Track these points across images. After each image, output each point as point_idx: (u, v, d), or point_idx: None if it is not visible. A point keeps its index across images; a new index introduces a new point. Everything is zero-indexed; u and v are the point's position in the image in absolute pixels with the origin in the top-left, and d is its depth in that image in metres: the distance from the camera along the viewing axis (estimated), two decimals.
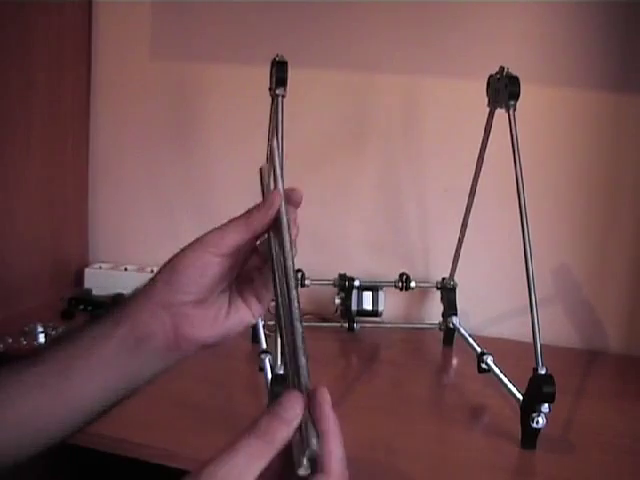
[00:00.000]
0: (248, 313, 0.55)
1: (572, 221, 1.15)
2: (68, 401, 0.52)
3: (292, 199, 0.59)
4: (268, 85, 0.90)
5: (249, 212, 0.53)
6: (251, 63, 1.10)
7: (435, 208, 1.20)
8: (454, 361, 1.11)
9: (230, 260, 0.53)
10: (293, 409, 0.42)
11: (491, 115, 0.95)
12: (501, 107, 0.89)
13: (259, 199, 1.03)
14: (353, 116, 1.21)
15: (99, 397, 0.53)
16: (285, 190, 0.58)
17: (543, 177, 1.12)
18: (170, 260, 0.55)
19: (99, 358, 0.52)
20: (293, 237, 0.56)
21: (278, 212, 0.55)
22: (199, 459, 0.62)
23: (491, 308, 1.19)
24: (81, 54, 1.27)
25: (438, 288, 1.14)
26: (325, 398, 0.43)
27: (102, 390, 0.53)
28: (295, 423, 0.42)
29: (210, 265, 0.52)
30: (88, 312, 1.16)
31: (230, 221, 0.53)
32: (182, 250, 0.53)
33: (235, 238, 0.52)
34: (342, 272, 1.15)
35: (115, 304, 0.55)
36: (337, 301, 1.14)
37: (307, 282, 1.11)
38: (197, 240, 0.53)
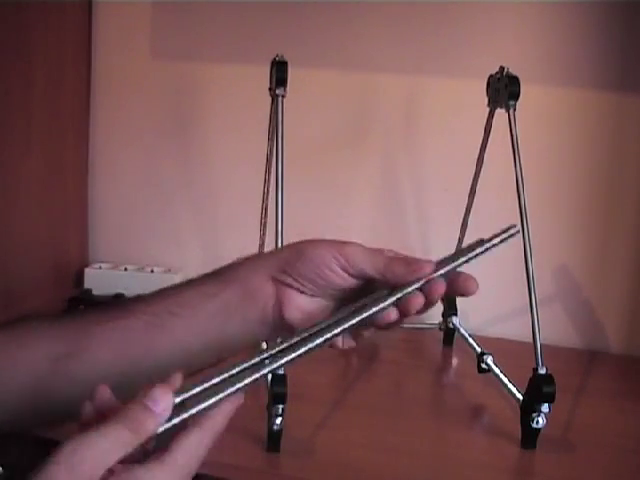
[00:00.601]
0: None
1: (572, 221, 1.15)
2: (172, 346, 0.53)
3: (457, 284, 0.55)
4: (268, 85, 0.90)
5: (396, 260, 0.51)
6: (251, 63, 1.10)
7: (435, 208, 1.20)
8: (454, 361, 1.11)
9: (350, 280, 0.52)
10: (164, 403, 0.42)
11: (491, 115, 0.95)
12: (501, 107, 0.89)
13: (259, 199, 1.03)
14: (353, 116, 1.21)
15: (198, 352, 0.54)
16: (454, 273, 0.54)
17: (543, 177, 1.12)
18: (302, 243, 0.54)
19: (205, 313, 0.53)
20: (391, 319, 0.50)
21: (415, 280, 0.51)
22: None
23: (491, 308, 1.19)
24: (81, 54, 1.26)
25: None
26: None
27: (202, 345, 0.54)
28: (163, 417, 0.42)
29: (332, 274, 0.52)
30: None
31: (378, 250, 0.52)
32: (318, 242, 0.53)
33: (366, 266, 0.51)
34: None
35: (218, 269, 0.57)
36: None
37: None
38: (336, 243, 0.52)
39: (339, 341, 0.53)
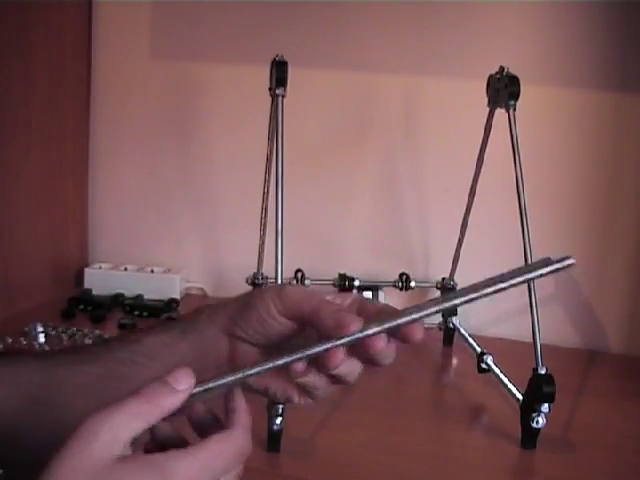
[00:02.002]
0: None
1: (572, 221, 1.15)
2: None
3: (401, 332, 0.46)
4: (268, 85, 0.90)
5: (326, 310, 0.46)
6: (251, 63, 1.10)
7: (435, 208, 1.20)
8: (454, 361, 1.11)
9: (289, 324, 0.49)
10: (185, 382, 0.42)
11: (491, 115, 0.95)
12: (501, 107, 0.89)
13: (259, 199, 1.03)
14: (353, 116, 1.21)
15: None
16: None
17: (543, 177, 1.12)
18: (251, 292, 0.53)
19: (163, 363, 0.51)
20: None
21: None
22: None
23: (491, 308, 1.19)
24: (81, 53, 1.26)
25: (438, 288, 1.14)
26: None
27: None
28: (183, 395, 0.42)
29: (272, 320, 0.49)
30: (88, 312, 1.16)
31: (316, 295, 0.49)
32: (265, 289, 0.51)
33: (302, 307, 0.48)
34: (342, 272, 1.15)
35: (180, 317, 0.55)
36: None
37: (307, 282, 1.11)
38: (278, 287, 0.50)
39: (295, 396, 0.50)
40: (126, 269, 1.27)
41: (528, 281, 0.50)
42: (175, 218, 1.31)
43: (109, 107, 1.31)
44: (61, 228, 1.27)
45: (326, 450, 0.80)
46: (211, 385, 0.43)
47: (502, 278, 0.52)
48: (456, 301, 0.49)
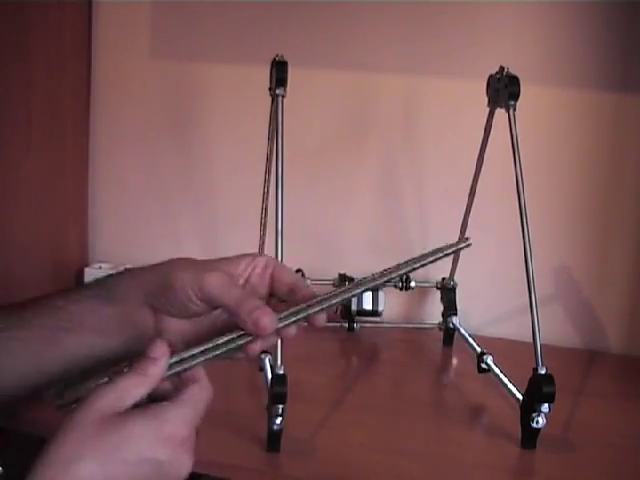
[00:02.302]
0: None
1: (572, 221, 1.15)
2: (57, 360, 0.57)
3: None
4: (268, 85, 0.90)
5: (245, 305, 0.53)
6: (251, 63, 1.10)
7: (435, 208, 1.20)
8: (454, 361, 1.11)
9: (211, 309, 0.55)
10: (160, 349, 0.51)
11: (491, 115, 0.95)
12: (501, 107, 0.89)
13: (259, 199, 1.03)
14: (353, 116, 1.21)
15: (90, 366, 0.56)
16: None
17: (543, 177, 1.12)
18: (169, 266, 0.59)
19: (91, 331, 0.56)
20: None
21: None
22: (199, 459, 0.62)
23: (491, 308, 1.19)
24: (81, 53, 1.26)
25: (438, 288, 1.14)
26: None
27: (93, 360, 0.57)
28: (163, 362, 0.50)
29: (194, 306, 0.55)
30: None
31: (236, 285, 0.55)
32: (183, 268, 0.58)
33: (222, 300, 0.54)
34: (342, 272, 1.15)
35: (99, 282, 0.60)
36: None
37: (307, 282, 1.11)
38: (198, 271, 0.56)
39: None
40: (126, 269, 1.26)
41: (431, 262, 0.60)
42: (175, 218, 1.31)
43: (109, 107, 1.30)
44: (61, 228, 1.27)
45: (326, 450, 0.80)
46: (184, 355, 0.52)
47: (405, 264, 0.63)
48: (360, 289, 0.57)
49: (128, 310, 0.56)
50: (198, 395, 0.51)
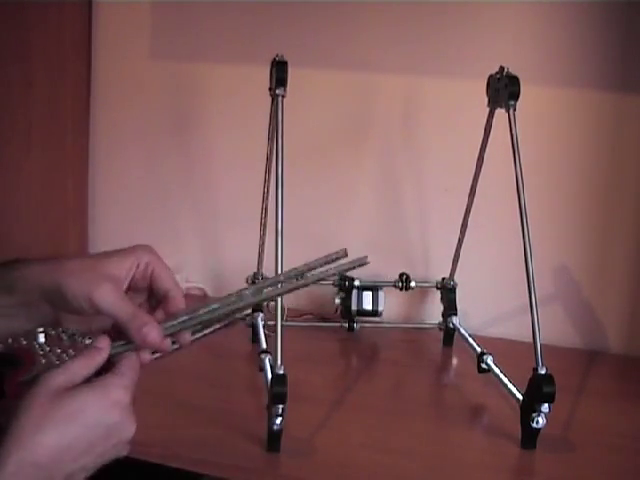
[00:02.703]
0: None
1: (572, 221, 1.15)
2: None
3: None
4: (268, 85, 0.90)
5: (135, 321, 0.59)
6: (251, 63, 1.10)
7: (435, 208, 1.20)
8: (454, 361, 1.11)
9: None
10: (104, 341, 0.59)
11: (491, 115, 0.95)
12: (501, 107, 0.89)
13: (259, 199, 1.03)
14: (353, 116, 1.21)
15: None
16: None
17: (543, 177, 1.12)
18: (60, 270, 0.63)
19: None
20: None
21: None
22: (199, 459, 0.62)
23: (491, 308, 1.19)
24: (81, 53, 1.26)
25: (438, 288, 1.14)
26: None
27: None
28: (105, 352, 0.58)
29: (88, 313, 0.61)
30: None
31: (126, 301, 0.60)
32: (75, 277, 0.61)
33: (115, 315, 0.59)
34: None
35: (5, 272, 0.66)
36: (337, 301, 1.14)
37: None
38: (89, 283, 0.60)
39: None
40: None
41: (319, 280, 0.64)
42: (175, 218, 1.31)
43: (109, 107, 1.30)
44: (61, 228, 1.27)
45: (326, 450, 0.80)
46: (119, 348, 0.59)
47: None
48: (238, 304, 0.66)
49: (28, 301, 0.63)
50: (132, 364, 0.59)
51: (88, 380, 0.57)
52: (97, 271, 0.62)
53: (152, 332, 0.59)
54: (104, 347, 0.59)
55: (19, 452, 0.52)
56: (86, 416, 0.55)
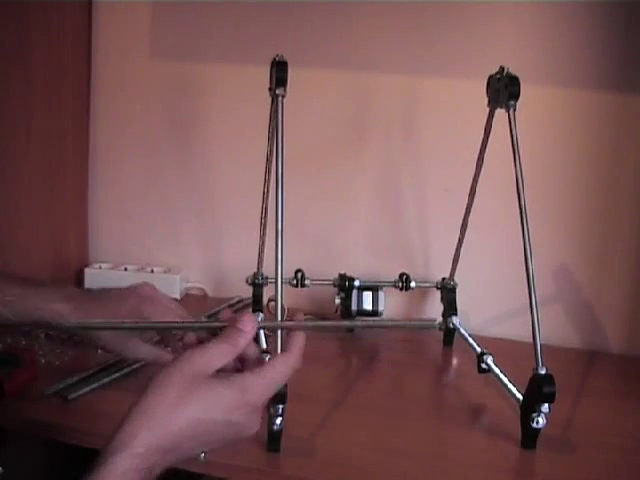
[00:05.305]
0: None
1: (572, 221, 1.15)
2: None
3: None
4: (268, 85, 0.90)
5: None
6: (251, 63, 1.10)
7: (435, 208, 1.20)
8: (454, 361, 1.11)
9: None
10: (250, 323, 0.59)
11: (491, 115, 0.95)
12: (501, 107, 0.89)
13: (259, 199, 1.04)
14: (353, 116, 1.21)
15: None
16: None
17: (543, 177, 1.12)
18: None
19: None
20: None
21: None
22: (199, 459, 0.62)
23: (491, 308, 1.19)
24: (81, 54, 1.26)
25: (438, 288, 1.14)
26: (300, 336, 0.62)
27: None
28: (250, 335, 0.58)
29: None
30: None
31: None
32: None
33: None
34: (342, 272, 1.15)
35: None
36: (337, 301, 1.14)
37: (307, 282, 1.11)
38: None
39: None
40: (126, 269, 1.27)
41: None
42: (175, 218, 1.31)
43: (109, 107, 1.31)
44: (61, 228, 1.27)
45: (326, 450, 0.80)
46: (268, 324, 0.64)
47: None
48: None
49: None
50: (279, 368, 0.59)
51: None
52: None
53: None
54: (248, 330, 0.58)
55: (148, 434, 0.52)
56: (217, 412, 0.55)
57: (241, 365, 0.62)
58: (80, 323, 0.79)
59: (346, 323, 0.96)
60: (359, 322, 1.05)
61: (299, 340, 0.61)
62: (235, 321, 0.58)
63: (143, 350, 0.83)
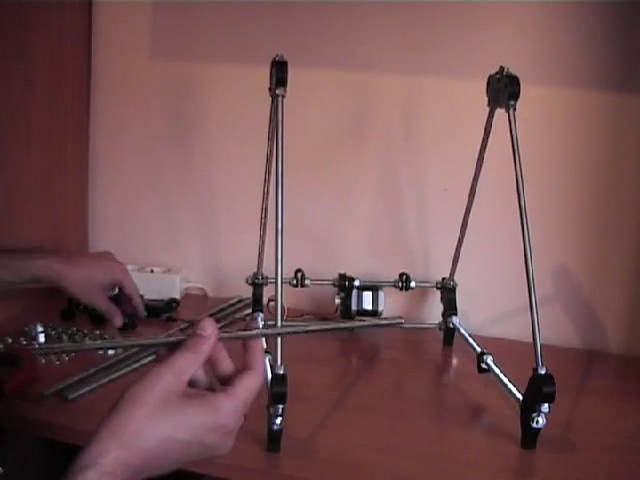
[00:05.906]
0: None
1: (572, 221, 1.15)
2: None
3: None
4: (268, 85, 0.90)
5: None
6: (251, 63, 1.10)
7: (435, 208, 1.20)
8: (454, 361, 1.11)
9: None
10: (210, 327, 0.58)
11: (491, 115, 0.95)
12: (501, 107, 0.89)
13: (259, 199, 1.04)
14: (353, 116, 1.21)
15: None
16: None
17: (543, 177, 1.12)
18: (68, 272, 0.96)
19: None
20: None
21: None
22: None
23: (491, 308, 1.19)
24: (81, 53, 1.26)
25: (438, 288, 1.14)
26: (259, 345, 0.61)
27: None
28: (212, 339, 0.57)
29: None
30: (88, 312, 1.15)
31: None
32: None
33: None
34: (342, 272, 1.15)
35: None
36: (337, 301, 1.14)
37: (307, 282, 1.11)
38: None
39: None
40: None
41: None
42: (175, 218, 1.31)
43: (109, 107, 1.30)
44: (61, 228, 1.27)
45: (326, 450, 0.80)
46: (231, 335, 0.61)
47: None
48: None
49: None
50: (249, 386, 0.58)
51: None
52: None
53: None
54: (210, 335, 0.57)
55: (119, 452, 0.51)
56: (190, 433, 0.54)
57: (217, 380, 0.61)
58: (47, 347, 0.90)
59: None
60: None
61: (259, 354, 0.60)
62: (195, 328, 0.58)
63: (103, 302, 1.05)
